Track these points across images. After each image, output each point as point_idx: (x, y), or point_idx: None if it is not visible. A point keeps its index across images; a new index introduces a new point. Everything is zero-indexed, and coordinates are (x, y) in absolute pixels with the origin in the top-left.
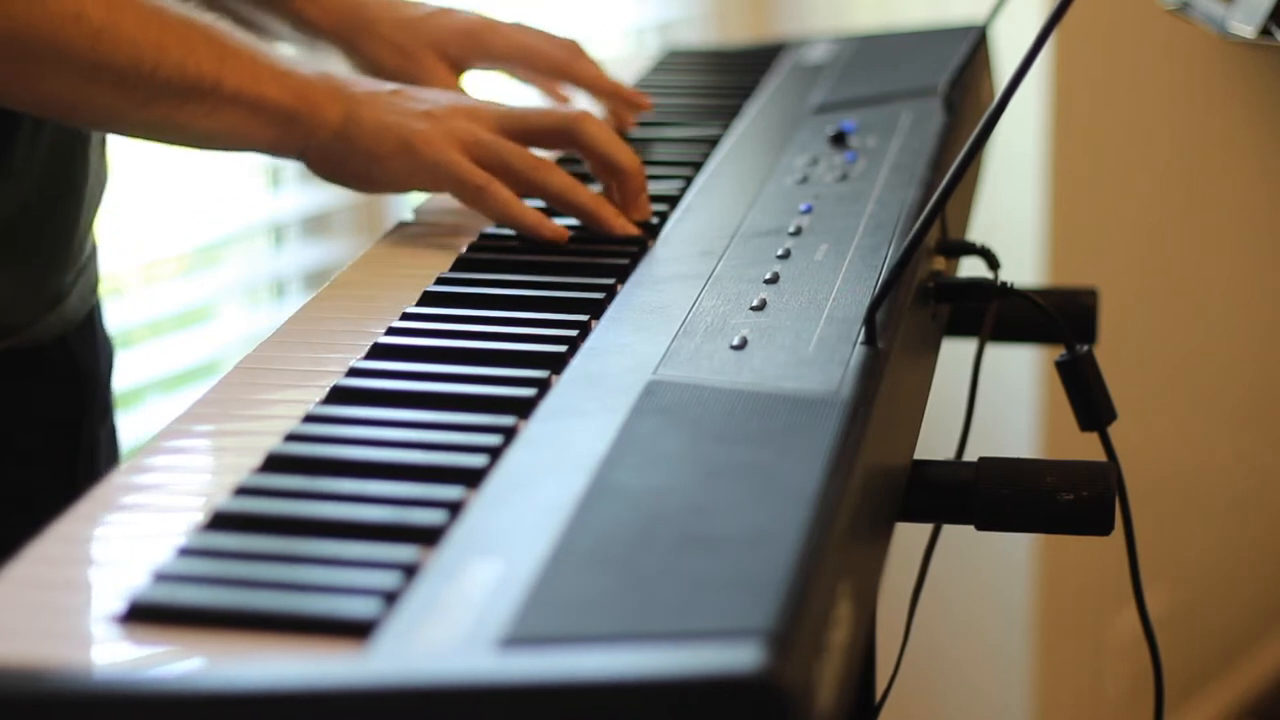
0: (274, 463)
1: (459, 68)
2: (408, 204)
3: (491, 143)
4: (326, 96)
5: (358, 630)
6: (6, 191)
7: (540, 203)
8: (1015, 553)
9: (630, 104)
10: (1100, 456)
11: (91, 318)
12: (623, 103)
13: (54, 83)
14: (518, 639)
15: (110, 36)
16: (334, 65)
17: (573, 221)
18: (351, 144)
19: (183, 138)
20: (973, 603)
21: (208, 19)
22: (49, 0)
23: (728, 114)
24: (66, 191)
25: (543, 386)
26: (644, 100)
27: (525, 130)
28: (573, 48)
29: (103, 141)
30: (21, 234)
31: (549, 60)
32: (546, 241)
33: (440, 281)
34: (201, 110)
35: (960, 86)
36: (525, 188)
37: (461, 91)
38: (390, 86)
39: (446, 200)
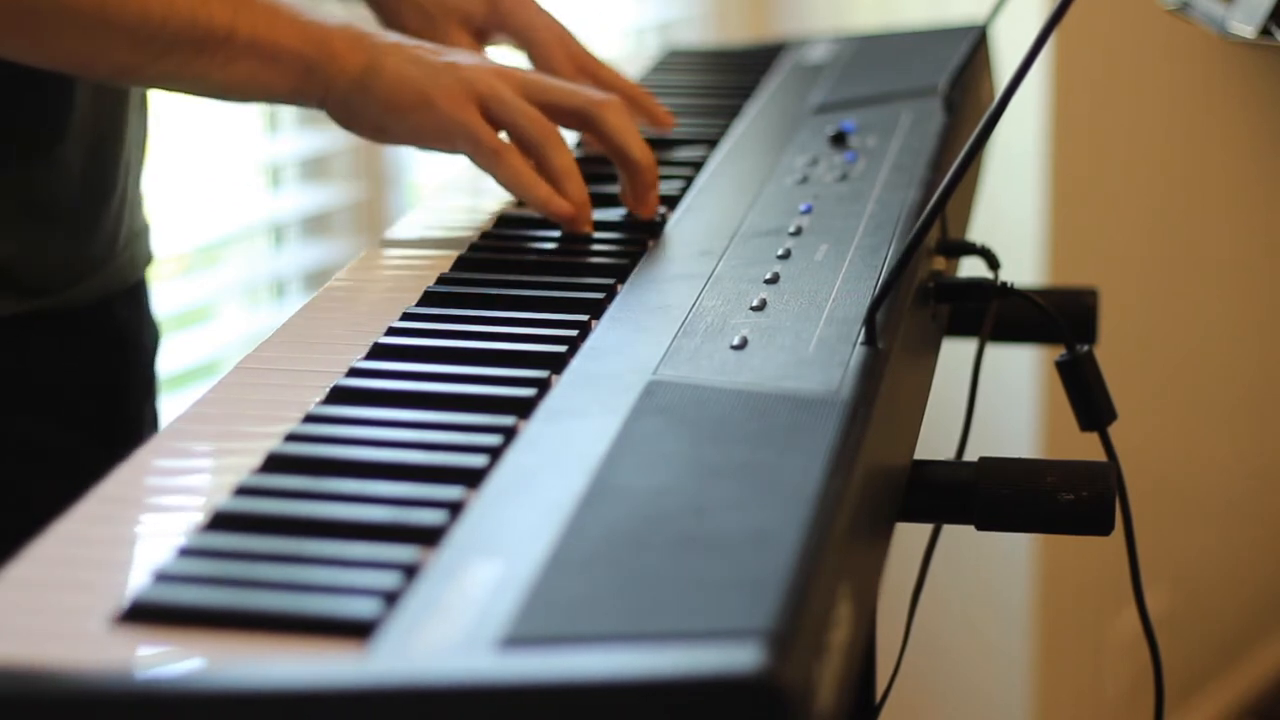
0: (274, 463)
1: (482, 38)
2: (408, 204)
3: (510, 101)
4: (347, 45)
5: (358, 630)
6: (62, 152)
7: None
8: (1015, 553)
9: (647, 114)
10: (1100, 456)
11: (140, 289)
12: (641, 112)
13: (63, 42)
14: (518, 639)
15: None
16: (361, 15)
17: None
18: (370, 94)
19: (199, 88)
20: (973, 603)
21: None
22: None
23: (728, 114)
24: (112, 153)
25: (543, 386)
26: (665, 115)
27: (547, 102)
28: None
29: (143, 98)
30: (68, 195)
31: (562, 52)
32: (553, 218)
33: (441, 281)
34: (216, 61)
35: (960, 86)
36: (528, 155)
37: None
38: (416, 41)
39: (447, 199)
